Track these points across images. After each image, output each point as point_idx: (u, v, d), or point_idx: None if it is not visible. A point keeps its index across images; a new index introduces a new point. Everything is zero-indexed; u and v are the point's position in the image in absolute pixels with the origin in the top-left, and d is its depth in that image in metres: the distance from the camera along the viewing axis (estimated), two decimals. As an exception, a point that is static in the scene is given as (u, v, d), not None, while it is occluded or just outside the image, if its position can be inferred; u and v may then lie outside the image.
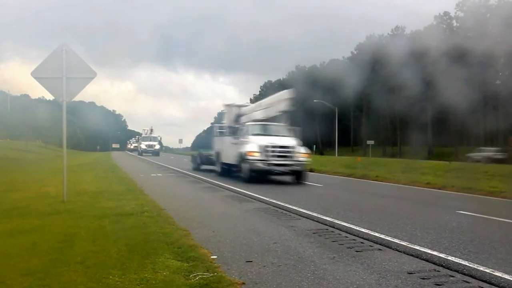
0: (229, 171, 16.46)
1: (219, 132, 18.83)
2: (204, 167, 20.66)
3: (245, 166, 14.04)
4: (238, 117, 17.70)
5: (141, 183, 13.18)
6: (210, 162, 19.40)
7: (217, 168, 17.96)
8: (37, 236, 5.58)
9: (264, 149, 13.56)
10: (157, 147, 51.17)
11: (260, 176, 13.97)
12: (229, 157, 15.89)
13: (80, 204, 8.45)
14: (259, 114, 16.18)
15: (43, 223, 6.51)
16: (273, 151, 13.64)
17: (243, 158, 14.05)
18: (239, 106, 18.41)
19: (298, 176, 14.18)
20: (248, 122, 15.89)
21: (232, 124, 17.46)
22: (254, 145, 13.75)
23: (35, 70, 8.94)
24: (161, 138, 54.61)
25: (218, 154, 17.90)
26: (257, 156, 13.58)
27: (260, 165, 13.57)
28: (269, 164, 13.58)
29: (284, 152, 13.78)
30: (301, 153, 14.09)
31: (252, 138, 14.16)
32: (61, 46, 8.94)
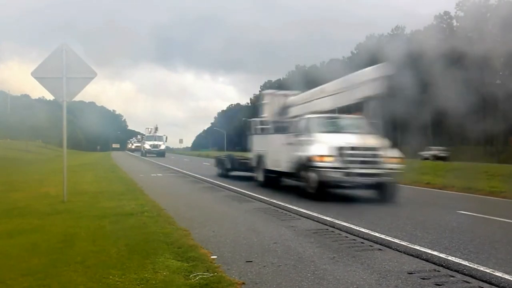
0: (276, 181, 12.83)
1: (261, 128, 14.09)
2: (227, 173, 16.88)
3: (311, 176, 9.82)
4: (284, 108, 13.46)
5: (141, 183, 13.18)
6: (245, 167, 15.26)
7: (257, 176, 13.59)
8: (37, 236, 5.58)
9: (340, 152, 9.44)
10: (163, 147, 47.05)
11: (331, 190, 10.18)
12: (279, 163, 11.81)
13: (80, 204, 8.45)
14: (323, 103, 11.66)
15: (43, 223, 6.51)
16: (353, 155, 9.52)
17: (305, 164, 9.97)
18: (286, 95, 14.12)
19: (386, 190, 9.91)
20: (307, 114, 11.42)
21: (281, 118, 13.29)
22: (323, 147, 9.68)
23: (35, 70, 8.96)
24: (166, 138, 50.10)
25: (259, 158, 13.36)
26: (330, 161, 9.46)
27: (334, 175, 9.43)
28: (348, 174, 9.45)
29: (369, 156, 9.66)
30: (392, 158, 9.82)
31: (318, 136, 10.15)
32: (61, 46, 8.96)
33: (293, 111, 12.83)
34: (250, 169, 14.53)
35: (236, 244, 5.47)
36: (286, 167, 11.17)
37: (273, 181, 12.82)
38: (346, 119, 11.21)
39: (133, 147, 70.00)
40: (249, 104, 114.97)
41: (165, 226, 6.25)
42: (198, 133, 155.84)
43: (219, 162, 18.03)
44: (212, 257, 4.71)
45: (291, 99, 13.53)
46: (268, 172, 12.82)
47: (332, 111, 11.56)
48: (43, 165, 25.82)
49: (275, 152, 12.17)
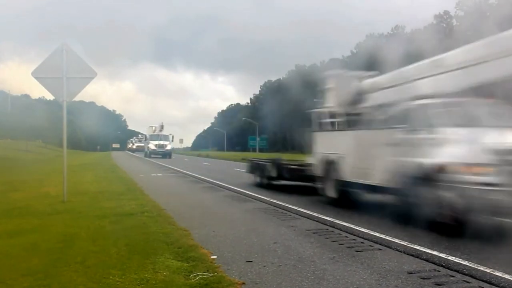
0: (352, 196, 8.83)
1: (330, 123, 10.38)
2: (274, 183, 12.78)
3: (444, 197, 6.05)
4: (359, 95, 9.81)
5: (141, 183, 13.19)
6: (298, 176, 11.38)
7: (324, 189, 9.67)
8: (37, 236, 5.59)
9: (502, 158, 5.81)
10: (169, 147, 42.97)
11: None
12: (368, 172, 7.99)
13: (80, 204, 8.46)
14: (439, 83, 7.61)
15: (43, 223, 6.52)
16: None
17: (431, 177, 6.24)
18: (360, 77, 10.23)
19: None
20: (422, 99, 7.37)
21: (353, 109, 9.88)
22: (470, 149, 6.05)
23: (36, 70, 8.97)
24: (173, 137, 45.55)
25: (329, 165, 9.47)
26: (485, 174, 5.78)
27: (493, 195, 5.69)
28: None
29: None
30: None
31: (451, 132, 6.47)
32: (61, 46, 8.97)
33: (374, 98, 9.33)
34: (307, 178, 10.71)
35: (236, 244, 5.47)
36: (383, 179, 7.42)
37: (353, 198, 8.86)
38: (491, 106, 7.06)
39: (134, 147, 66.98)
40: (249, 104, 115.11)
41: (165, 226, 6.26)
42: (198, 133, 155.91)
43: (257, 169, 13.79)
44: (212, 257, 4.71)
45: (370, 81, 9.88)
46: (345, 185, 8.85)
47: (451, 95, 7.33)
48: (43, 165, 25.81)
49: (361, 156, 8.35)
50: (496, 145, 5.97)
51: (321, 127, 10.51)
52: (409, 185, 6.74)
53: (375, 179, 7.77)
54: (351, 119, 9.75)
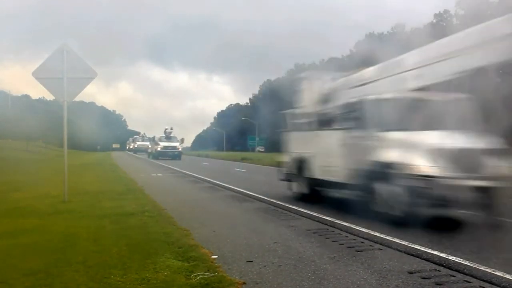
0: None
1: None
2: None
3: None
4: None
5: (141, 183, 13.19)
6: None
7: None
8: (39, 236, 5.60)
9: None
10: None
11: None
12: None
13: (81, 204, 8.47)
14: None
15: (44, 223, 6.53)
16: None
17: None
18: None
19: None
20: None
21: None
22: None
23: (36, 70, 8.99)
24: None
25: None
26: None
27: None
28: None
29: None
30: None
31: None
32: (62, 46, 9.00)
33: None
34: None
35: (237, 244, 5.48)
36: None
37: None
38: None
39: (159, 148, 39.11)
40: (249, 104, 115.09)
41: (165, 226, 6.27)
42: (197, 133, 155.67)
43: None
44: (212, 257, 4.72)
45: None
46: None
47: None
48: (43, 165, 25.82)
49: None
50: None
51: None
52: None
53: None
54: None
